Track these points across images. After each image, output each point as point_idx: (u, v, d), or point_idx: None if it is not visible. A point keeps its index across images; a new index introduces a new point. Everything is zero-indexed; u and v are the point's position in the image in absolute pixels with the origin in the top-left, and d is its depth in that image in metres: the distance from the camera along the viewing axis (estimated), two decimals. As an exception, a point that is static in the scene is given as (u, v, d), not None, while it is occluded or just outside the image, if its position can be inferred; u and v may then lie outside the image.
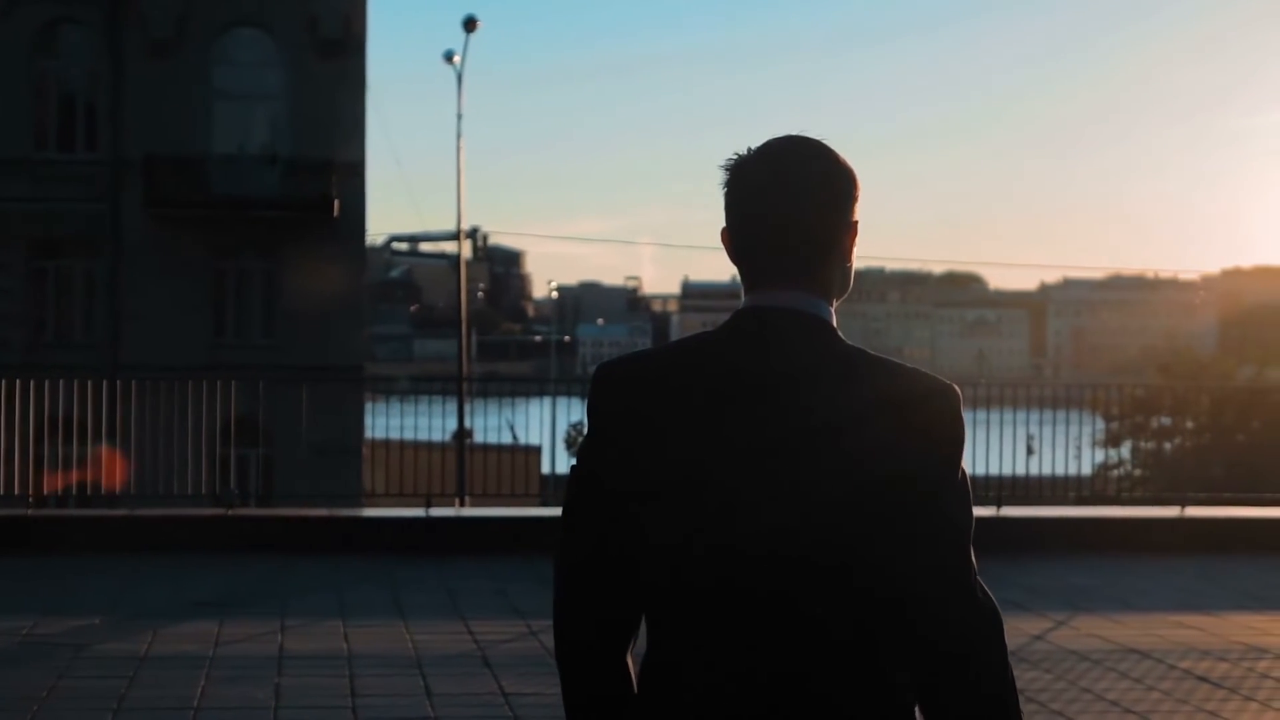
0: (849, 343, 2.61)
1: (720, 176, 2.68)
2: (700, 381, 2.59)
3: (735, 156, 2.68)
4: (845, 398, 2.53)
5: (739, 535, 2.52)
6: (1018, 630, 10.45)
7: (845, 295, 2.71)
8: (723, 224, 2.70)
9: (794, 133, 2.69)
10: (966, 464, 2.59)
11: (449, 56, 43.32)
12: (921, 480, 2.51)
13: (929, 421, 2.53)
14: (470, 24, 42.21)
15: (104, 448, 15.23)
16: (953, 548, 2.53)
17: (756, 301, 2.64)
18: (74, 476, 15.33)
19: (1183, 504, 15.91)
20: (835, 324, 2.64)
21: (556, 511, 2.83)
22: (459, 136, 43.03)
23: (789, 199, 2.62)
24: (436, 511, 15.11)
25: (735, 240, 2.69)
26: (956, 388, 2.57)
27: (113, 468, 15.40)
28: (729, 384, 2.57)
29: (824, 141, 2.68)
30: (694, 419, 2.56)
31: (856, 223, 2.68)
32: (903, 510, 2.49)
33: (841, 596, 2.52)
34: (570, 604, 2.69)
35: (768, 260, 2.64)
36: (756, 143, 2.69)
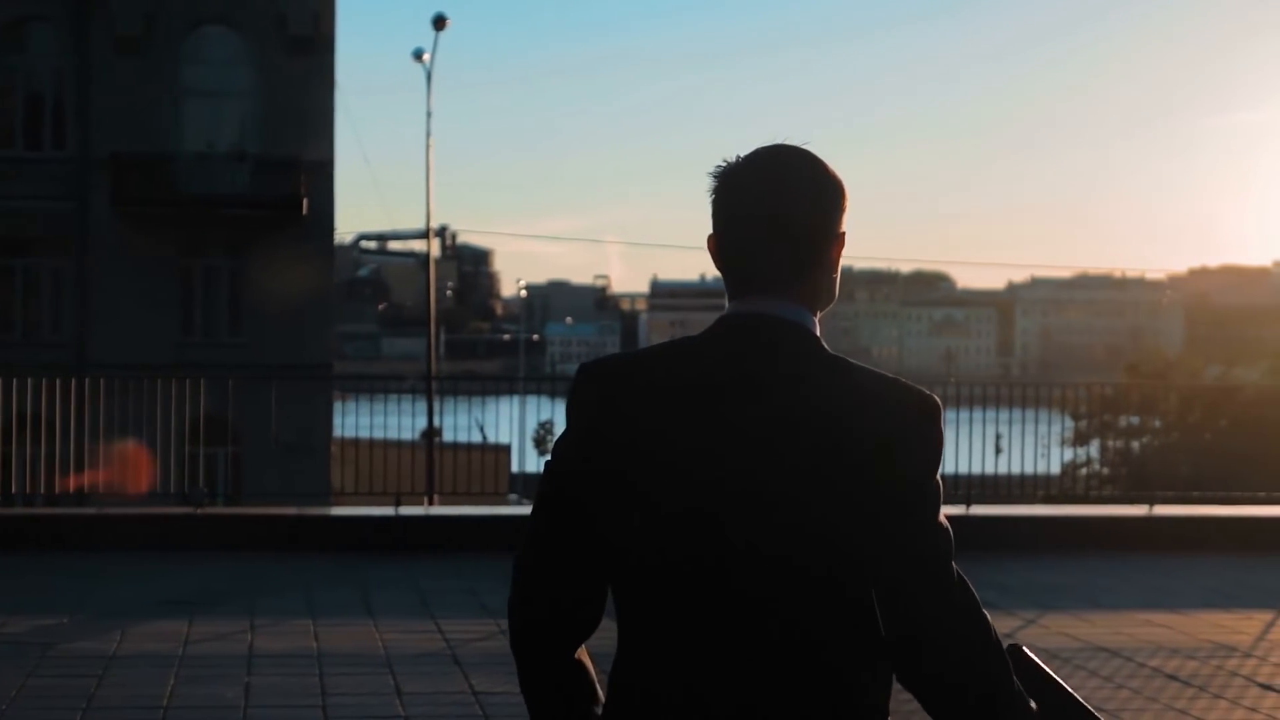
0: (831, 351, 2.62)
1: (709, 183, 2.67)
2: (682, 382, 2.58)
3: (724, 164, 2.68)
4: (827, 403, 2.54)
5: (718, 535, 2.52)
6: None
7: (830, 305, 2.71)
8: (708, 229, 2.69)
9: (781, 141, 2.68)
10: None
11: (418, 55, 43.27)
12: (901, 485, 2.51)
13: (909, 429, 2.53)
14: (440, 22, 42.16)
15: (129, 447, 15.22)
16: (933, 549, 2.53)
17: (740, 308, 2.64)
18: (42, 475, 15.24)
19: (1151, 502, 15.97)
20: (819, 333, 2.64)
21: (526, 510, 2.83)
22: (428, 135, 43.07)
23: (777, 208, 2.62)
24: (406, 510, 15.09)
25: (722, 247, 2.68)
26: (937, 398, 2.58)
27: (139, 466, 15.37)
28: (711, 386, 2.57)
29: (811, 150, 2.68)
30: (675, 418, 2.56)
31: (843, 234, 2.68)
32: (886, 511, 2.50)
33: (821, 597, 2.52)
34: (528, 592, 2.68)
35: (753, 268, 2.64)
36: (737, 145, 2.70)
